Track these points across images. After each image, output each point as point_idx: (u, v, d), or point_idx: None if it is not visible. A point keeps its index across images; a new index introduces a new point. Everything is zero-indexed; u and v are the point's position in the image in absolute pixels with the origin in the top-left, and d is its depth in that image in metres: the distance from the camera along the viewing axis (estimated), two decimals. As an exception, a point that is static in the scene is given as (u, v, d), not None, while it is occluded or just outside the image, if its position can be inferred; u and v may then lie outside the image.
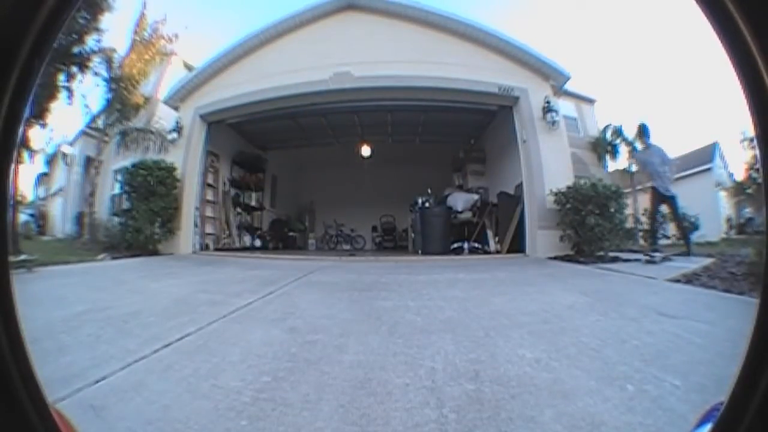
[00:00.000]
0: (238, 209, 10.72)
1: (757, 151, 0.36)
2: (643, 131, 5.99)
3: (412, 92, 7.46)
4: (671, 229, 9.16)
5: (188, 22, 17.62)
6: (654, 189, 5.80)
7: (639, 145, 6.07)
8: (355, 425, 1.15)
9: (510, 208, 7.46)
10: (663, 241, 8.59)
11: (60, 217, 12.98)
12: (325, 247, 12.78)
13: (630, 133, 12.77)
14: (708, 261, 4.65)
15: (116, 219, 8.20)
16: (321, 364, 1.62)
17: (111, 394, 1.34)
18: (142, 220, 6.88)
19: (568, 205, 6.18)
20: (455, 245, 7.86)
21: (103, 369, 1.53)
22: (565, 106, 9.56)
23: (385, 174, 12.88)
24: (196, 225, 8.06)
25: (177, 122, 8.17)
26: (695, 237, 9.20)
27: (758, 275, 0.52)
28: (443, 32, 7.59)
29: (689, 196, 12.21)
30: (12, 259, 0.42)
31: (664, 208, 6.03)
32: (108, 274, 4.61)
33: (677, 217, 5.95)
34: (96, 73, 8.03)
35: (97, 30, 7.48)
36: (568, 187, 6.34)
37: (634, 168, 12.76)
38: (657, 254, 5.39)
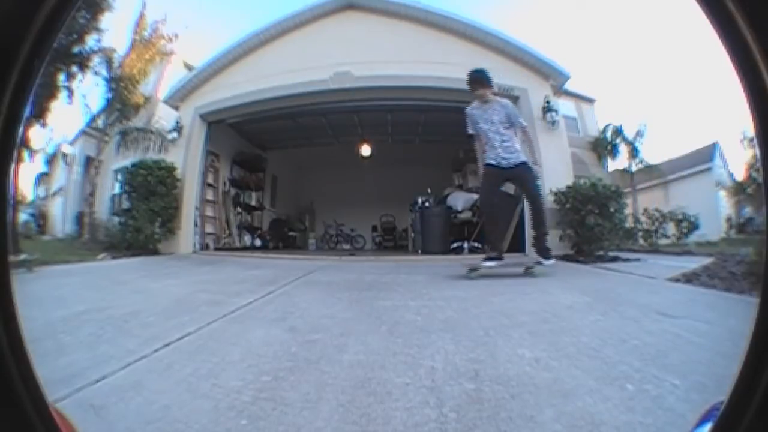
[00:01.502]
0: (238, 209, 10.73)
1: (757, 151, 0.36)
2: (481, 78, 4.03)
3: (412, 92, 7.46)
4: (671, 228, 9.19)
5: (188, 22, 17.61)
6: (488, 165, 4.03)
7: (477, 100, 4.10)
8: (355, 424, 1.15)
9: (510, 208, 7.45)
10: (663, 241, 8.61)
11: (60, 217, 12.98)
12: (325, 246, 12.78)
13: (630, 132, 12.78)
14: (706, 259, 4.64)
15: (116, 219, 8.21)
16: (321, 364, 1.62)
17: (111, 393, 1.34)
18: (142, 220, 6.88)
19: (568, 205, 6.19)
20: (455, 245, 7.86)
21: (103, 369, 1.53)
22: (565, 106, 9.56)
23: (385, 174, 12.88)
24: (196, 225, 8.07)
25: (177, 122, 8.17)
26: (695, 236, 9.23)
27: (758, 275, 0.52)
28: (443, 32, 7.59)
29: (690, 196, 12.24)
30: (12, 258, 0.42)
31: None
32: (108, 274, 4.61)
33: (534, 202, 4.17)
34: (96, 73, 8.05)
35: (97, 30, 7.49)
36: (568, 187, 6.34)
37: (633, 165, 12.73)
38: (490, 263, 3.82)
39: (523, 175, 4.04)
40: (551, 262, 3.99)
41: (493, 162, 4.02)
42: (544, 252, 4.04)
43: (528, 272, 3.88)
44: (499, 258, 3.98)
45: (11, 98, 0.36)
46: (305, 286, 3.74)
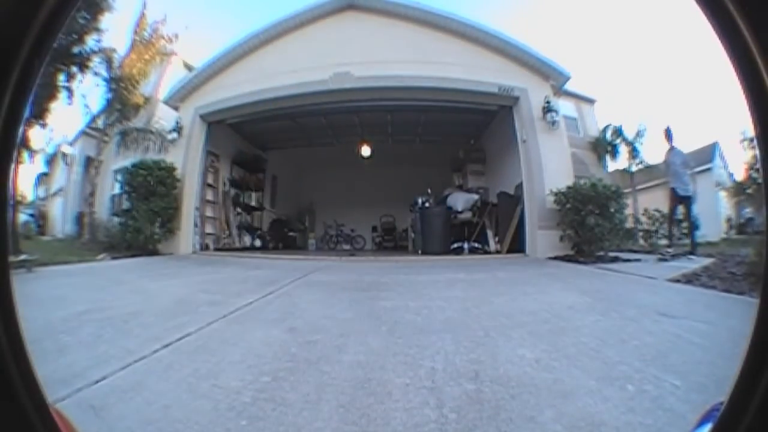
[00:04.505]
0: (238, 209, 10.72)
1: (757, 151, 0.36)
2: (668, 134, 6.22)
3: (412, 92, 7.46)
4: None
5: (188, 22, 17.60)
6: (673, 189, 5.95)
7: (665, 147, 6.25)
8: (355, 425, 1.15)
9: (510, 208, 7.45)
10: (663, 241, 8.60)
11: (60, 217, 12.98)
12: (325, 247, 12.78)
13: (630, 133, 12.79)
14: (709, 259, 4.64)
15: (116, 219, 8.20)
16: (321, 364, 1.62)
17: (111, 394, 1.34)
18: (142, 220, 6.88)
19: (568, 205, 6.18)
20: (455, 245, 7.86)
21: (103, 369, 1.53)
22: (565, 106, 9.56)
23: (385, 174, 12.88)
24: (196, 225, 8.06)
25: (177, 122, 8.17)
26: (695, 236, 9.22)
27: (758, 275, 0.52)
28: (443, 32, 7.59)
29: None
30: (12, 259, 0.42)
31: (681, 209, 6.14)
32: (108, 274, 4.61)
33: (689, 217, 6.12)
34: (96, 73, 8.03)
35: (97, 30, 7.48)
36: (568, 187, 6.34)
37: (633, 165, 12.76)
38: (669, 251, 5.74)
39: (689, 203, 5.97)
40: (671, 252, 5.84)
41: (677, 189, 5.92)
42: (670, 246, 6.21)
43: (674, 257, 5.78)
44: None
45: (11, 98, 0.36)
46: (305, 287, 3.74)
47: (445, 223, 8.11)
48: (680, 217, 6.15)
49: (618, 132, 12.85)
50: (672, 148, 6.15)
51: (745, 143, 11.15)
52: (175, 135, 8.09)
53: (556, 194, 6.34)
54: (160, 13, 9.01)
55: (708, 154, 14.53)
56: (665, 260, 5.35)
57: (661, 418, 1.13)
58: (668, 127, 6.21)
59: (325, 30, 7.94)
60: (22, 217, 11.56)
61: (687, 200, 5.93)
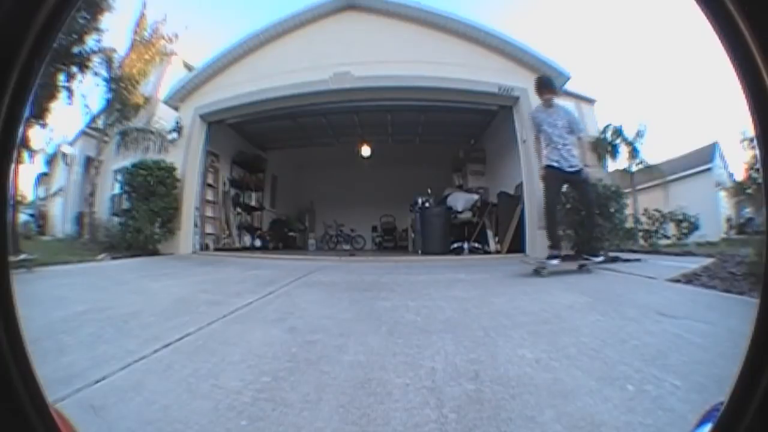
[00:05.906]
0: (238, 209, 10.73)
1: (757, 151, 0.36)
2: (546, 83, 4.44)
3: (412, 92, 7.46)
4: (672, 228, 9.18)
5: (188, 22, 17.58)
6: (548, 167, 4.15)
7: (542, 103, 4.41)
8: (355, 425, 1.15)
9: (510, 208, 7.46)
10: (663, 241, 8.61)
11: (60, 217, 12.96)
12: (325, 247, 12.78)
13: (630, 133, 12.78)
14: (709, 259, 4.61)
15: (116, 219, 8.20)
16: (321, 364, 1.62)
17: (111, 394, 1.34)
18: (142, 220, 6.88)
19: (568, 205, 6.18)
20: (455, 245, 7.86)
21: (103, 369, 1.53)
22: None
23: (385, 174, 12.88)
24: (196, 225, 8.07)
25: (177, 122, 8.17)
26: (696, 236, 9.23)
27: (758, 275, 0.52)
28: (443, 32, 7.59)
29: (690, 196, 12.23)
30: (12, 258, 0.42)
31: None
32: (108, 274, 4.61)
33: (587, 202, 4.43)
34: (96, 73, 8.03)
35: (97, 30, 7.49)
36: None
37: (633, 165, 12.76)
38: (553, 261, 3.95)
39: (582, 181, 4.32)
40: (555, 262, 4.06)
41: (555, 165, 4.15)
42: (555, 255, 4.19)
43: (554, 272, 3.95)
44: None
45: (11, 98, 0.36)
46: (305, 287, 3.74)
47: (445, 223, 8.11)
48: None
49: (618, 132, 12.83)
50: (551, 104, 4.32)
51: (745, 143, 11.14)
52: (175, 135, 8.10)
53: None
54: (160, 13, 9.02)
55: (708, 154, 14.52)
56: (539, 274, 3.84)
57: (661, 418, 1.13)
58: (546, 77, 4.52)
59: (325, 30, 7.94)
60: (22, 217, 11.55)
61: (577, 179, 4.17)
